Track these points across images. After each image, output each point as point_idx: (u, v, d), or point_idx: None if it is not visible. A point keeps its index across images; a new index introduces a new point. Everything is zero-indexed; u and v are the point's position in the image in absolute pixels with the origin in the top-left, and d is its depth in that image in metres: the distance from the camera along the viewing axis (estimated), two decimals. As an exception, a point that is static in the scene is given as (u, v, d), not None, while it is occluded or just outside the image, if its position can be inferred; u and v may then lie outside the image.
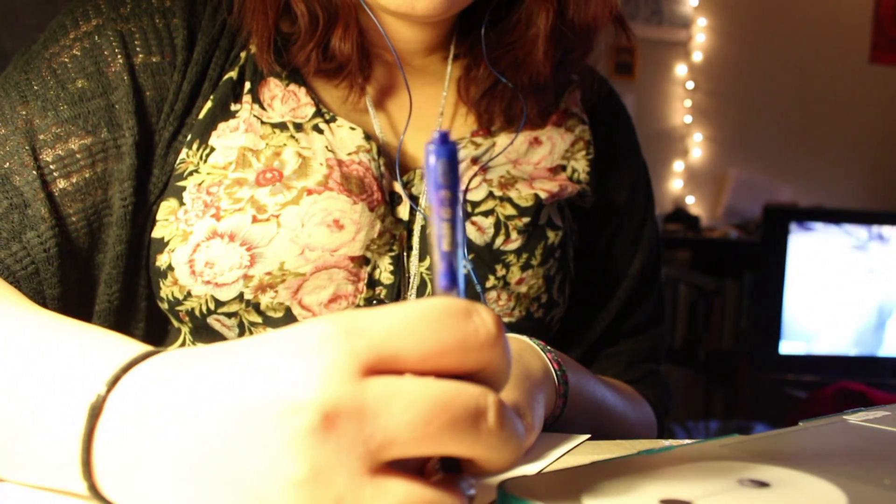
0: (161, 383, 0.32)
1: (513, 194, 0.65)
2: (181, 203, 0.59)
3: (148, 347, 0.36)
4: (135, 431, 0.31)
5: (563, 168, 0.70)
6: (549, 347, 0.57)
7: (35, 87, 0.58)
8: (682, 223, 2.94)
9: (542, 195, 0.66)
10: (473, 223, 0.64)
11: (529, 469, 0.44)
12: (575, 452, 0.48)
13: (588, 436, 0.52)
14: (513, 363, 0.52)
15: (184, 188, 0.59)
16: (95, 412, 0.32)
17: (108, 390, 0.33)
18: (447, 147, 0.29)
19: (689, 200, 3.13)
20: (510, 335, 0.58)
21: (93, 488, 0.32)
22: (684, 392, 2.96)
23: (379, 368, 0.28)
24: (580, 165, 0.71)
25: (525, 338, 0.57)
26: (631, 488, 0.33)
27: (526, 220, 0.65)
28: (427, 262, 0.62)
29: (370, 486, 0.27)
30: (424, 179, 0.50)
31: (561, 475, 0.35)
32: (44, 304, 0.56)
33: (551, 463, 0.46)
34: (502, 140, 0.68)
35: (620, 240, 0.76)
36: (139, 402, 0.32)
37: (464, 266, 0.62)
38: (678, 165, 3.13)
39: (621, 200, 0.75)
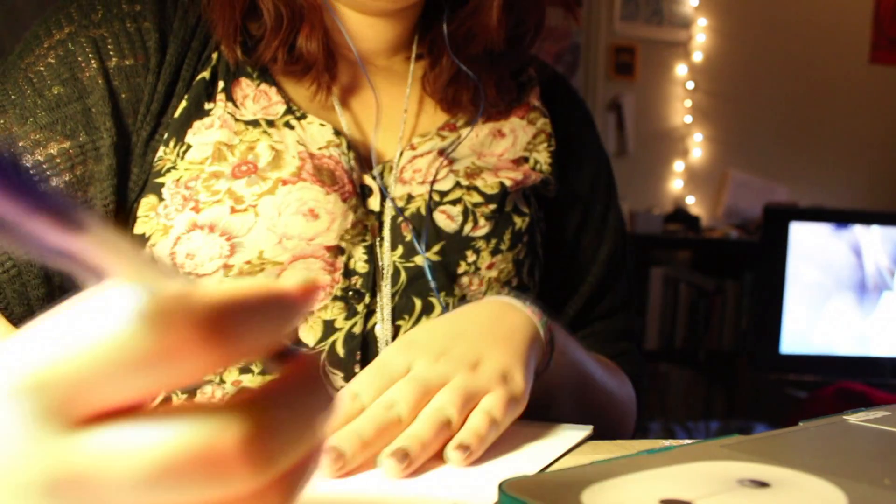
0: None
1: (479, 183, 0.68)
2: (160, 199, 0.61)
3: None
4: None
5: (526, 160, 0.73)
6: (529, 301, 0.57)
7: (12, 97, 0.60)
8: (682, 223, 2.94)
9: (507, 182, 0.68)
10: (442, 212, 0.66)
11: (529, 469, 0.44)
12: (575, 452, 0.49)
13: (590, 428, 0.52)
14: (495, 324, 0.53)
15: (162, 184, 0.61)
16: None
17: None
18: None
19: (690, 200, 3.13)
20: (491, 298, 0.57)
21: None
22: (684, 392, 2.96)
23: (89, 414, 0.22)
24: (542, 157, 0.74)
25: (504, 297, 0.57)
26: (631, 488, 0.33)
27: (493, 206, 0.67)
28: (399, 251, 0.64)
29: None
30: None
31: (561, 475, 0.35)
32: (29, 306, 0.58)
33: (551, 463, 0.46)
34: (467, 133, 0.71)
35: (586, 229, 0.79)
36: None
37: (425, 263, 0.63)
38: (678, 165, 3.13)
39: (584, 190, 0.78)
